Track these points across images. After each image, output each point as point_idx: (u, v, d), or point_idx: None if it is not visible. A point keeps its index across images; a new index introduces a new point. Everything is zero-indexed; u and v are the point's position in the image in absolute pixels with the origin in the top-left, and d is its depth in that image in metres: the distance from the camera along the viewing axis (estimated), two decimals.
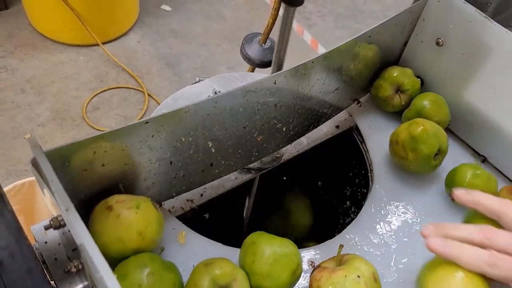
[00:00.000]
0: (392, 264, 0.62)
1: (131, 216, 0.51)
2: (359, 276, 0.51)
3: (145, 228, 0.51)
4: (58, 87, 1.99)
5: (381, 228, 0.65)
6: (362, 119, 0.78)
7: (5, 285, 0.40)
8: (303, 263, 0.58)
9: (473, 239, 0.51)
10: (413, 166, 0.68)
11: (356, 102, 0.79)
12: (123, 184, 0.55)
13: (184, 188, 0.62)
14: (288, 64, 0.62)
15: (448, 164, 0.69)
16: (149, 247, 0.53)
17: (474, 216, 0.58)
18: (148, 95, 2.01)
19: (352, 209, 0.87)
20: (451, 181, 0.67)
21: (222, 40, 2.30)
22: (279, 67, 0.67)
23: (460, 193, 0.56)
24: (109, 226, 0.50)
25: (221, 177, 0.65)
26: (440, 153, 0.67)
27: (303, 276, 0.59)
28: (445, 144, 0.67)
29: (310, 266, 0.61)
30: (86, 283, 0.51)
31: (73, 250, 0.54)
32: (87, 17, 2.03)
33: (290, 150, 0.75)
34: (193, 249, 0.60)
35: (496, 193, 0.65)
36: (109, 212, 0.51)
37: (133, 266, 0.49)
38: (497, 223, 0.54)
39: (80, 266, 0.47)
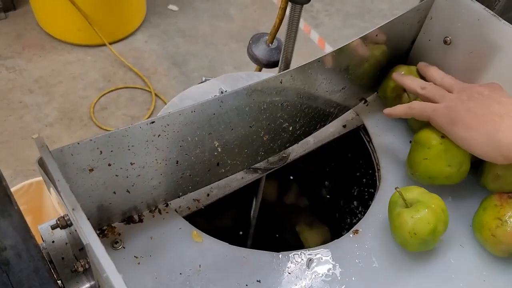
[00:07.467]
0: None
1: None
2: None
3: None
4: (66, 87, 2.00)
5: (388, 228, 0.65)
6: (369, 118, 0.78)
7: (12, 284, 0.40)
8: (310, 261, 0.59)
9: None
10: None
11: (363, 101, 0.79)
12: (130, 184, 0.55)
13: (190, 187, 0.62)
14: (295, 64, 0.62)
15: None
16: None
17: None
18: (155, 95, 2.01)
19: (359, 209, 0.86)
20: None
21: (229, 40, 2.30)
22: (286, 66, 0.67)
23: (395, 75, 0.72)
24: None
25: (227, 176, 0.65)
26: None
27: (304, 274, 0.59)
28: None
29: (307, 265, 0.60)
30: (93, 282, 0.52)
31: (80, 250, 0.54)
32: (94, 17, 2.04)
33: (297, 150, 0.75)
34: (200, 249, 0.60)
35: None
36: None
37: None
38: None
39: (87, 266, 0.47)
